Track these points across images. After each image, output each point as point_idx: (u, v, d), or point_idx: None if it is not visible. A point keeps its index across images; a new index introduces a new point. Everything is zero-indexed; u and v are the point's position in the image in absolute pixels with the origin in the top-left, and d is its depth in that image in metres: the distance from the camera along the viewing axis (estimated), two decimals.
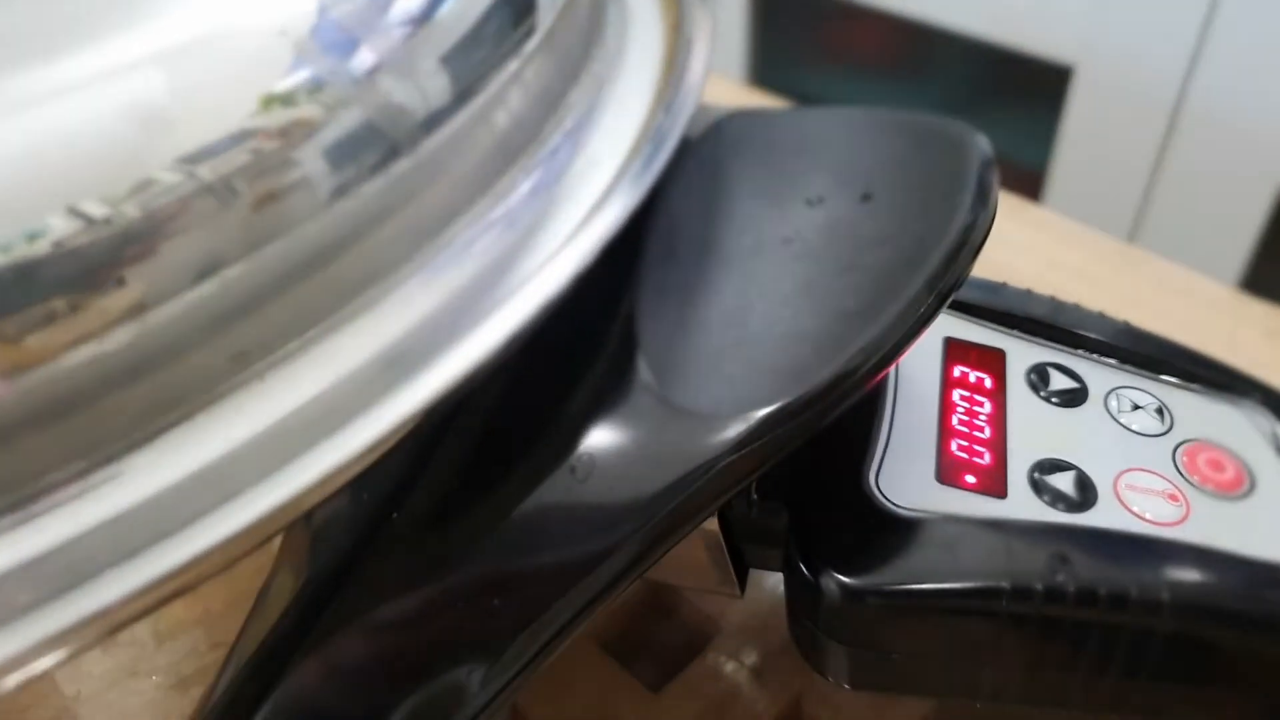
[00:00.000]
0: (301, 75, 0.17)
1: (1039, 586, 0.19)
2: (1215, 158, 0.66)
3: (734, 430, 0.17)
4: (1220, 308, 0.37)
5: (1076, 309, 0.25)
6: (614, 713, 0.25)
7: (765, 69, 0.95)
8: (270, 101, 0.16)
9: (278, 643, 0.19)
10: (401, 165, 0.17)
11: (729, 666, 0.25)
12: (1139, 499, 0.21)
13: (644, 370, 0.18)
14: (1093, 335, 0.24)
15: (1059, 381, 0.23)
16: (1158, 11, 0.66)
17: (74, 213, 0.14)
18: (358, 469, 0.16)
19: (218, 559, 0.15)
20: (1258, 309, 0.37)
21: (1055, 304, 0.25)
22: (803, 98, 0.89)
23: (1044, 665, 0.20)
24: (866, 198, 0.20)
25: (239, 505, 0.15)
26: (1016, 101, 0.80)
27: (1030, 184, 0.78)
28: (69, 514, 0.15)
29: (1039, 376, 0.23)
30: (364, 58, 0.18)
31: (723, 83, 0.66)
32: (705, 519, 0.18)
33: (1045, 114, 0.74)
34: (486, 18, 0.19)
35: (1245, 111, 0.63)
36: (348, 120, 0.17)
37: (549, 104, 0.20)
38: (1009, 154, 0.83)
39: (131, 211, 0.15)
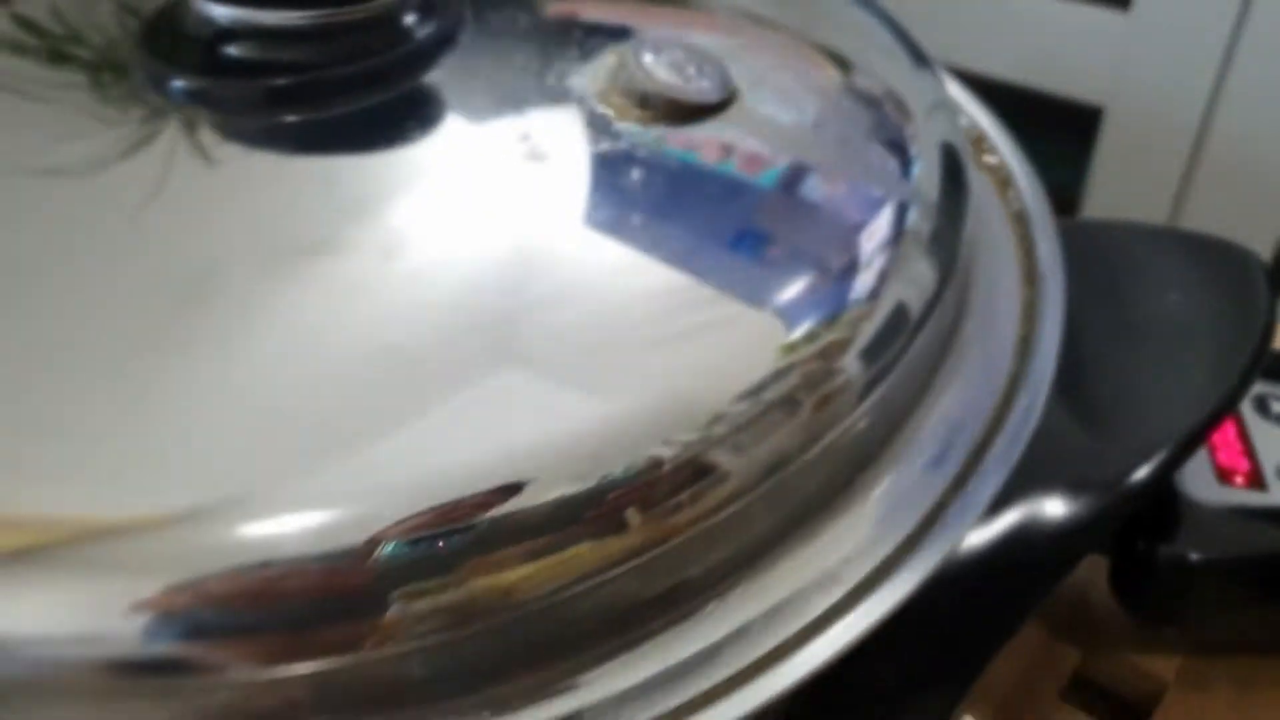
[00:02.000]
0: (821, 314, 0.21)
1: None
2: (1234, 192, 0.78)
3: (1165, 451, 0.26)
4: None
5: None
6: None
7: None
8: (796, 345, 0.20)
9: None
10: (908, 358, 0.23)
11: None
12: None
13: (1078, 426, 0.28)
14: None
15: (1275, 408, 0.34)
16: (1180, 55, 0.77)
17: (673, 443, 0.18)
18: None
19: None
20: None
21: None
22: None
23: None
24: (1188, 298, 0.30)
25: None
26: (1050, 135, 0.91)
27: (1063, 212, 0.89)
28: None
29: (1260, 405, 0.34)
30: (866, 279, 0.22)
31: None
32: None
33: (1078, 149, 0.86)
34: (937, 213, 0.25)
35: (1261, 147, 0.75)
36: (868, 331, 0.21)
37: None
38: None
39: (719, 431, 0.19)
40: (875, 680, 0.26)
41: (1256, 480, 0.31)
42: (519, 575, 0.17)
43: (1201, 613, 0.31)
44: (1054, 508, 0.26)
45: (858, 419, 0.21)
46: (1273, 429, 0.33)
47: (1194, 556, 0.29)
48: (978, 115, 0.35)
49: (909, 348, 0.23)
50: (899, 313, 0.22)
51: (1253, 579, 0.30)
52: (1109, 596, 0.36)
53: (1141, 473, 0.26)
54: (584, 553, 0.18)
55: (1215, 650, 0.34)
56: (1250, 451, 0.32)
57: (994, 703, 0.34)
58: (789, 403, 0.20)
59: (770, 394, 0.19)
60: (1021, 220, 0.31)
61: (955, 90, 0.36)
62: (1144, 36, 0.80)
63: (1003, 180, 0.32)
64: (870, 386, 0.21)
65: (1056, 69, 0.84)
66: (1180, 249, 0.31)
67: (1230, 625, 0.31)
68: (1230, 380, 0.27)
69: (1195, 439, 0.27)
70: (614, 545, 0.18)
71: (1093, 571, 0.34)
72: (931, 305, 0.24)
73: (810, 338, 0.20)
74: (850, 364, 0.21)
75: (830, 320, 0.21)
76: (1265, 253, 0.78)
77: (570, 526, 0.17)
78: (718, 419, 0.19)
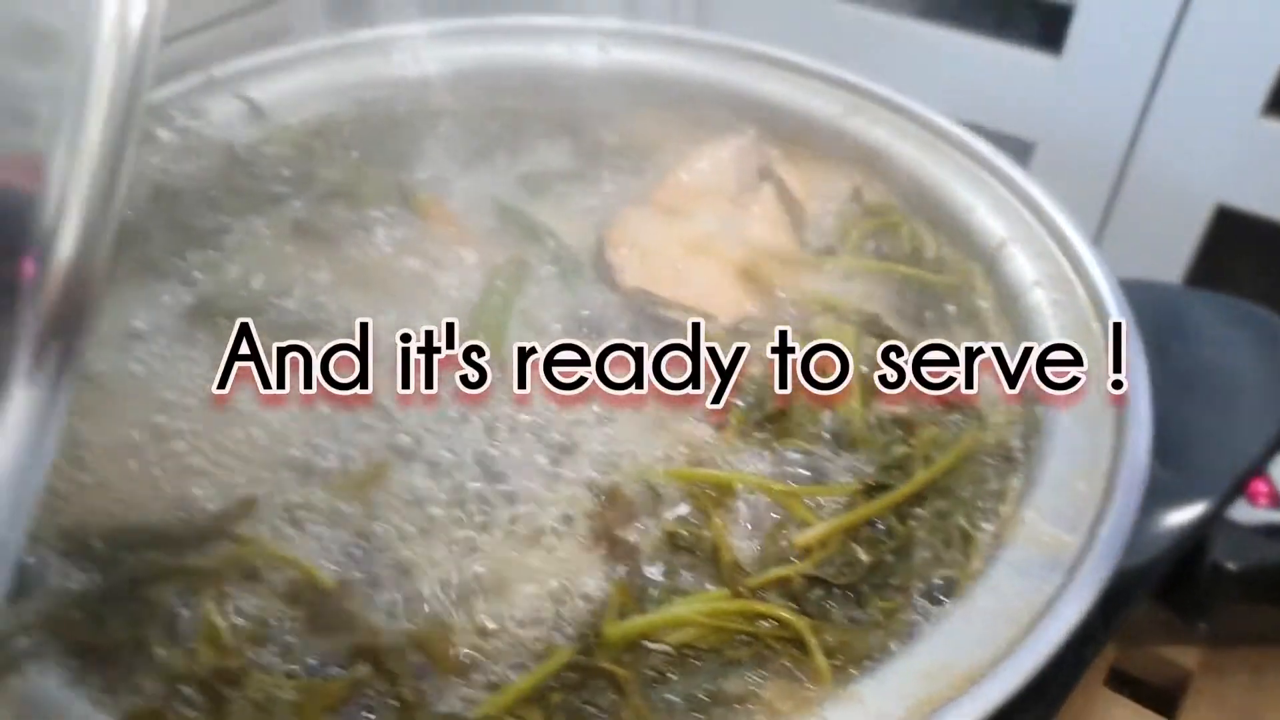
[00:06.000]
0: None
1: None
2: (1151, 222, 0.87)
3: (1227, 487, 0.32)
4: None
5: None
6: None
7: None
8: None
9: None
10: None
11: None
12: None
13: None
14: None
15: None
16: (1106, 98, 0.85)
17: None
18: None
19: None
20: None
21: None
22: None
23: None
24: (1225, 354, 0.36)
25: None
26: None
27: None
28: None
29: None
30: None
31: None
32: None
33: None
34: None
35: (1177, 181, 0.84)
36: None
37: None
38: None
39: None
40: None
41: (1276, 500, 0.38)
42: None
43: (1232, 610, 0.37)
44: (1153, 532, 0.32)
45: None
46: None
47: (1231, 566, 0.36)
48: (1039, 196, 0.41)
49: None
50: None
51: (1275, 583, 0.36)
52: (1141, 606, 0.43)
53: (1213, 504, 0.32)
54: None
55: (1230, 644, 0.41)
56: (1269, 478, 0.39)
57: None
58: None
59: None
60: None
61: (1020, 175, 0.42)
62: (1074, 80, 0.88)
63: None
64: None
65: (993, 107, 0.92)
66: (1216, 311, 0.37)
67: (1250, 620, 0.38)
68: (1275, 430, 0.34)
69: (1248, 478, 0.33)
70: None
71: None
72: None
73: None
74: None
75: None
76: (1177, 275, 0.87)
77: None
78: None
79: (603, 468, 0.33)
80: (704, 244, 0.41)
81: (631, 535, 0.30)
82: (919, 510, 0.31)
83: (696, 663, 0.27)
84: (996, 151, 0.45)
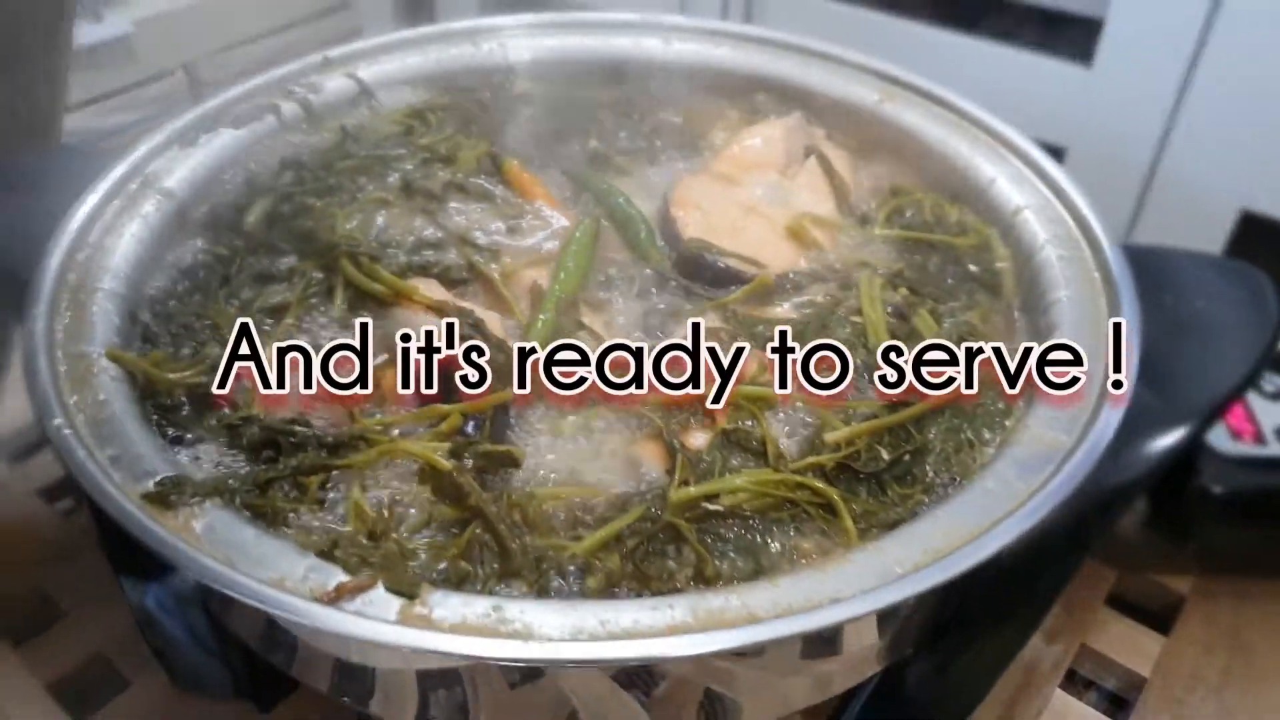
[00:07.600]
0: None
1: None
2: (1176, 226, 0.91)
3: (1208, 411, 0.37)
4: None
5: None
6: None
7: None
8: None
9: None
10: None
11: None
12: None
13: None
14: None
15: (1267, 387, 0.45)
16: (1134, 107, 0.90)
17: None
18: None
19: None
20: None
21: None
22: None
23: None
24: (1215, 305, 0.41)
25: None
26: None
27: None
28: None
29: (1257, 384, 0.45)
30: None
31: None
32: None
33: None
34: None
35: (1202, 188, 0.89)
36: None
37: None
38: None
39: None
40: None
41: (1259, 438, 0.43)
42: None
43: (1216, 532, 0.42)
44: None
45: None
46: (1268, 402, 0.44)
47: (1216, 489, 0.41)
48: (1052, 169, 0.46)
49: None
50: None
51: (1255, 507, 0.41)
52: (1138, 533, 0.48)
53: (1193, 427, 0.37)
54: None
55: (1219, 572, 0.46)
56: (1253, 418, 0.44)
57: (1055, 610, 0.45)
58: None
59: None
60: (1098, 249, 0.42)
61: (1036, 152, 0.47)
62: (1103, 89, 0.93)
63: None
64: None
65: (1026, 114, 0.97)
66: (1209, 269, 0.42)
67: (1235, 544, 0.43)
68: (1249, 366, 0.39)
69: (1227, 404, 0.38)
70: None
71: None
72: None
73: None
74: None
75: None
76: None
77: None
78: None
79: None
80: (756, 206, 0.47)
81: (694, 439, 0.36)
82: (936, 424, 0.37)
83: (746, 521, 0.33)
84: (1014, 129, 0.50)
